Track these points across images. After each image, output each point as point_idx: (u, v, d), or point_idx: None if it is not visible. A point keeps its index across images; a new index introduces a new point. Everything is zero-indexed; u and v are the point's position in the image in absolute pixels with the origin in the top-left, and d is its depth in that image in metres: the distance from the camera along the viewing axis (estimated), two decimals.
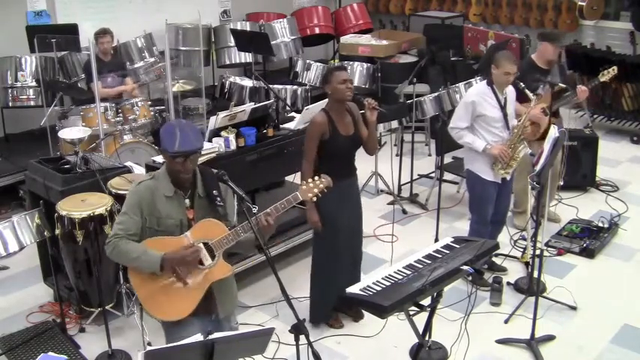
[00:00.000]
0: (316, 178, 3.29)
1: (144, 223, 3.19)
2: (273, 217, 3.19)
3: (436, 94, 6.61)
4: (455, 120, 4.91)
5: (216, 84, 8.07)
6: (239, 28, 8.53)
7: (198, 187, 3.26)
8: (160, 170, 3.26)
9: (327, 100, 4.48)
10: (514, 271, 5.31)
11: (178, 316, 3.22)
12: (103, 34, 6.79)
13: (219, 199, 3.24)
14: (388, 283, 3.27)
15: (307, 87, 7.56)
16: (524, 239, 5.63)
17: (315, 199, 3.28)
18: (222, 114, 5.02)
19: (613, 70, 5.56)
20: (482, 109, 4.78)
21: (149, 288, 3.20)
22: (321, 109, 4.39)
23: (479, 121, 4.82)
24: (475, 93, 4.85)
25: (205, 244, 3.20)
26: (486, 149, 4.79)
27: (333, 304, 4.63)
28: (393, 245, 5.51)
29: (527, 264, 5.29)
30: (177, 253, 3.15)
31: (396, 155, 7.35)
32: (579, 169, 6.66)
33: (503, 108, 4.82)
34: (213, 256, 3.21)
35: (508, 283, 5.11)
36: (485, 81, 4.88)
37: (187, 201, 3.24)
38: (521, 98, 5.06)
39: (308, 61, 8.24)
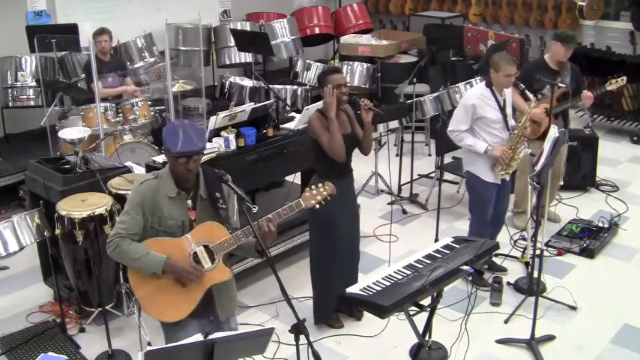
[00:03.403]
0: (319, 185, 3.28)
1: (145, 222, 3.18)
2: (274, 224, 3.19)
3: (436, 94, 6.61)
4: (454, 123, 4.87)
5: (216, 84, 8.08)
6: (239, 28, 8.53)
7: (200, 188, 3.25)
8: (164, 170, 3.25)
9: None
10: (514, 271, 5.31)
11: (176, 317, 3.21)
12: (100, 33, 6.79)
13: (221, 201, 3.23)
14: (388, 283, 3.27)
15: (307, 87, 7.57)
16: (524, 239, 5.63)
17: (317, 206, 3.26)
18: (222, 114, 5.01)
19: (622, 80, 5.52)
20: (483, 111, 4.77)
21: (148, 288, 3.20)
22: (317, 110, 4.39)
23: (479, 122, 4.81)
24: (475, 95, 4.82)
25: (206, 246, 3.19)
26: (488, 151, 4.79)
27: (334, 306, 4.64)
28: (394, 245, 5.51)
29: (527, 264, 5.29)
30: (180, 266, 3.14)
31: (396, 155, 7.35)
32: (579, 169, 6.66)
33: (502, 109, 4.82)
34: (212, 259, 3.20)
35: (508, 283, 5.11)
36: (484, 82, 4.87)
37: (189, 202, 3.23)
38: (523, 97, 5.07)
39: (308, 61, 8.24)
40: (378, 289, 3.22)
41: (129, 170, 5.04)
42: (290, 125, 5.44)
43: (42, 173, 4.82)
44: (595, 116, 8.43)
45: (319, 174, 4.33)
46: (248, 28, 8.62)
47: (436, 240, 5.39)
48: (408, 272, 3.37)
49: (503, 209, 5.14)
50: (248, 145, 5.02)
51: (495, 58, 4.76)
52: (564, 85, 5.34)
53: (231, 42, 8.36)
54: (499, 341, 4.48)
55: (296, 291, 5.01)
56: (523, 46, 8.05)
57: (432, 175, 7.00)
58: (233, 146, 4.94)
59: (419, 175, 7.06)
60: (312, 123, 4.33)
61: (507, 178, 4.96)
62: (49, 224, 4.44)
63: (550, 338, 4.49)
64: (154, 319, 3.28)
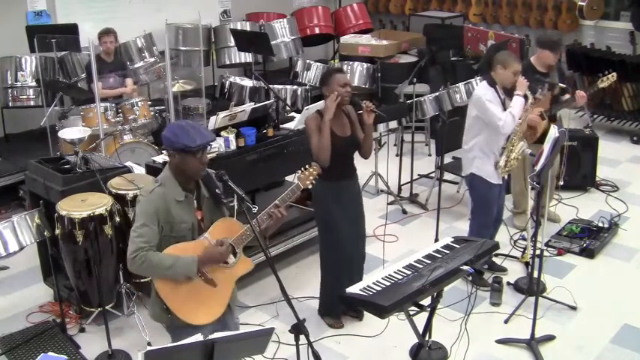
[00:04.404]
0: (307, 166, 3.50)
1: (159, 231, 3.16)
2: (283, 208, 3.31)
3: (436, 94, 6.60)
4: (497, 119, 4.66)
5: (216, 84, 8.08)
6: (239, 28, 8.53)
7: (202, 188, 3.28)
8: (164, 175, 3.23)
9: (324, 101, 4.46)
10: (514, 271, 5.31)
11: (214, 316, 3.27)
12: (106, 33, 6.82)
13: (222, 196, 3.27)
14: (388, 283, 3.27)
15: (307, 87, 7.57)
16: (524, 239, 5.63)
17: (310, 186, 3.47)
18: (222, 114, 5.02)
19: (612, 77, 5.53)
20: None
21: (180, 296, 3.19)
22: (316, 111, 4.38)
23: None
24: (485, 90, 4.77)
25: None
26: (520, 90, 4.71)
27: (338, 306, 4.64)
28: (394, 245, 5.51)
29: (527, 264, 5.29)
30: (209, 251, 3.18)
31: (396, 155, 7.36)
32: (579, 169, 6.66)
33: (504, 107, 4.83)
34: (234, 253, 3.27)
35: (508, 283, 5.11)
36: (485, 82, 4.85)
37: (194, 202, 3.26)
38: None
39: (308, 61, 8.25)
40: (378, 289, 3.22)
41: (129, 170, 5.04)
42: (290, 125, 5.44)
43: (42, 173, 4.82)
44: (595, 116, 8.42)
45: (320, 176, 4.31)
46: (248, 28, 8.62)
47: (436, 240, 5.39)
48: (408, 272, 3.37)
49: (501, 207, 5.15)
50: (248, 145, 5.02)
51: (502, 56, 4.76)
52: (564, 85, 5.34)
53: (231, 42, 8.36)
54: (499, 341, 4.48)
55: (296, 291, 5.01)
56: (523, 46, 8.05)
57: (432, 175, 7.00)
58: (233, 146, 4.94)
59: (419, 175, 7.06)
60: (307, 123, 4.34)
61: (506, 176, 4.97)
62: (49, 224, 4.44)
63: (550, 338, 4.49)
64: (194, 324, 3.20)
